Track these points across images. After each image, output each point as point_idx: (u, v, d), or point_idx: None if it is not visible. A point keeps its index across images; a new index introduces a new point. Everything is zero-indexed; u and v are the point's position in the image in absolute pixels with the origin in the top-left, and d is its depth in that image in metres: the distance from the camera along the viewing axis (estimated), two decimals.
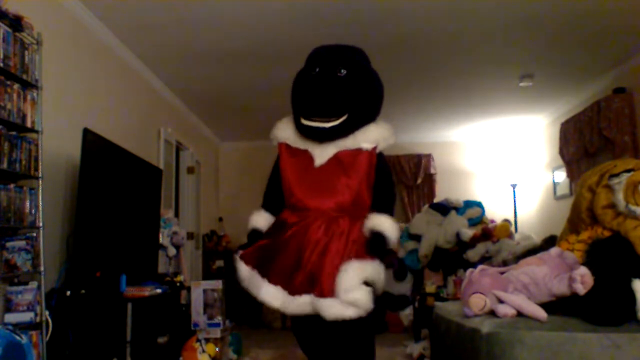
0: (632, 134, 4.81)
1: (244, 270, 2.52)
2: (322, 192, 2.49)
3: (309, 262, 2.38)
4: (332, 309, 2.28)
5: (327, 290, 2.30)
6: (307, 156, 2.55)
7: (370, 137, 2.52)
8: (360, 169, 2.49)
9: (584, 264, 2.12)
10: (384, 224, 2.42)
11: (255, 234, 2.61)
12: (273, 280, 2.42)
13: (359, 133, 2.52)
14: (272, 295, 2.41)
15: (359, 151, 2.51)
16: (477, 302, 2.17)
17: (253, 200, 2.90)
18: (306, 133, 2.54)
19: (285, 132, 2.64)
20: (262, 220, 2.64)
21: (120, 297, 3.29)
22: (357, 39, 2.92)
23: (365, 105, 2.55)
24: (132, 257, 3.89)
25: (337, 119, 2.46)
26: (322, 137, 2.51)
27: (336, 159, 2.51)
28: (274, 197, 2.66)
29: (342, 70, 2.50)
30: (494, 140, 7.76)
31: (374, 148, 2.52)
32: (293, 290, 2.38)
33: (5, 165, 2.55)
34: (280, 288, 2.40)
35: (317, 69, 2.53)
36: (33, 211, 2.74)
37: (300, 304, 2.37)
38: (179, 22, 3.96)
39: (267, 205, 2.69)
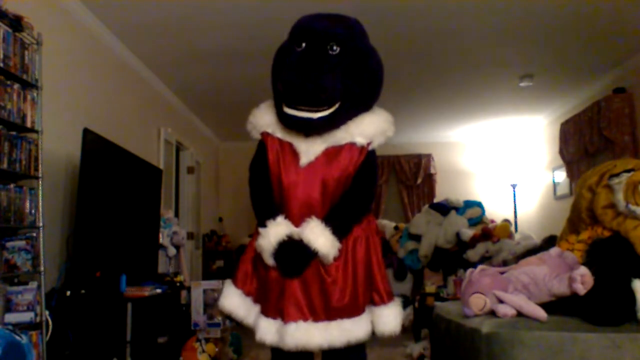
0: (632, 134, 4.82)
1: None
2: (310, 198, 2.02)
3: (319, 285, 1.98)
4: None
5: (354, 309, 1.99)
6: (291, 151, 2.07)
7: (367, 131, 2.05)
8: (352, 169, 2.04)
9: (584, 264, 2.12)
10: (319, 239, 1.92)
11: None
12: (271, 314, 2.01)
13: (353, 124, 2.05)
14: (265, 330, 1.98)
15: (351, 146, 2.04)
16: (477, 302, 2.17)
17: None
18: (289, 124, 2.04)
19: (265, 118, 2.13)
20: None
21: (120, 297, 3.29)
22: None
23: (361, 92, 2.05)
24: (132, 257, 3.89)
25: (328, 108, 1.97)
26: (309, 130, 2.02)
27: (326, 156, 2.03)
28: (272, 202, 2.09)
29: (335, 47, 1.99)
30: (494, 140, 7.76)
31: (369, 144, 2.06)
32: (290, 318, 1.95)
33: (5, 165, 2.54)
34: (272, 320, 1.99)
35: (304, 44, 2.04)
36: (33, 211, 2.74)
37: (311, 333, 1.93)
38: (178, 22, 3.96)
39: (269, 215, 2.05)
